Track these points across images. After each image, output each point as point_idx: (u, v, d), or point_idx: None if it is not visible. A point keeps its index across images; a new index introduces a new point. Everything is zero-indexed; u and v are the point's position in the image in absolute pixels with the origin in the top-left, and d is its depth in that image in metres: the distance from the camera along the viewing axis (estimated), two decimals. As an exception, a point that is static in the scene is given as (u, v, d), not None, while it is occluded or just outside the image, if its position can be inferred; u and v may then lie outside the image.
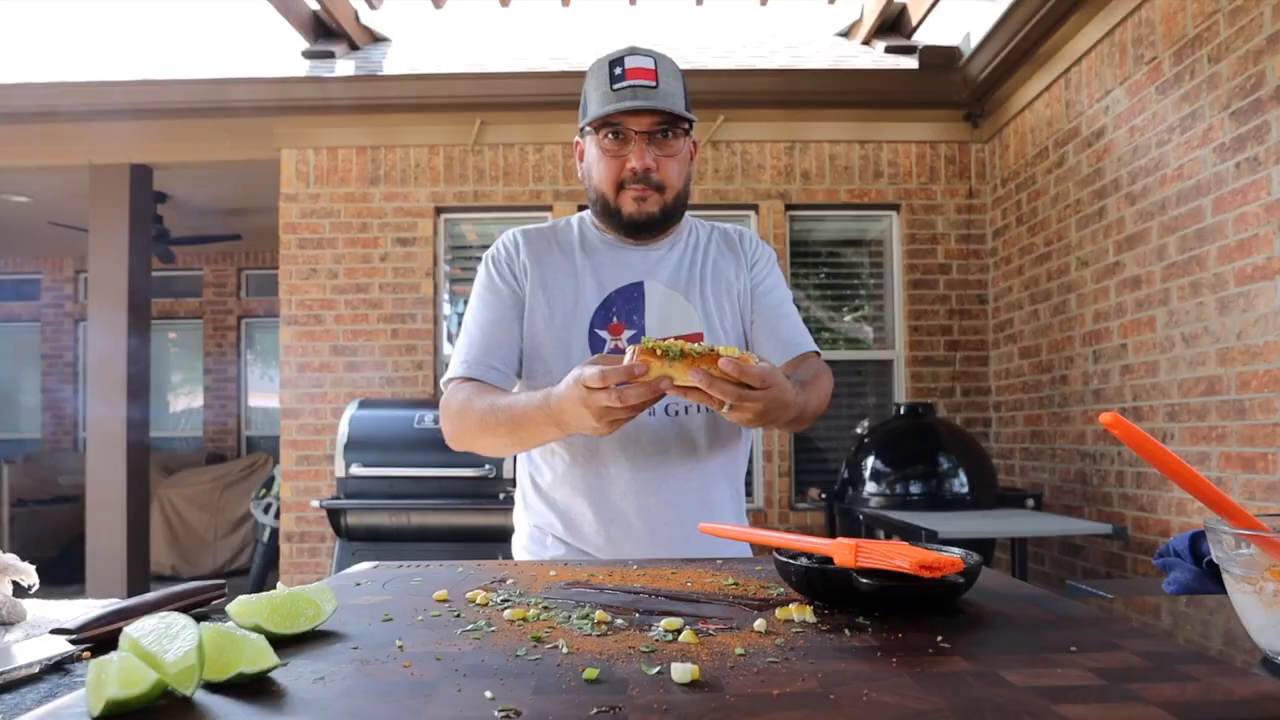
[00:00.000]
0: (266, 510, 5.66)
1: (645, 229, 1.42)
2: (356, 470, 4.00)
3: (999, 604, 0.79)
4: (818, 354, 1.48)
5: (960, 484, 3.72)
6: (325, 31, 5.15)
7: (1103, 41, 3.61)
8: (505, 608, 0.79)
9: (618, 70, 1.37)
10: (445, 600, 0.84)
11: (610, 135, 1.37)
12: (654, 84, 1.36)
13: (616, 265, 1.46)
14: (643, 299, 1.44)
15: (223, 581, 0.91)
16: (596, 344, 1.42)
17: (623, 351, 1.28)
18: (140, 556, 5.16)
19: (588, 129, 1.41)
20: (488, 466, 3.93)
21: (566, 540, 1.43)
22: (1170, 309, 3.18)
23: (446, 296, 4.95)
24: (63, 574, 5.95)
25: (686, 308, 1.44)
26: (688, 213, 1.50)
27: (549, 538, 1.45)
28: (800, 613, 0.74)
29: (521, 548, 1.50)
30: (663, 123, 1.36)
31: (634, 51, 1.39)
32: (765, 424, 1.21)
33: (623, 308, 1.43)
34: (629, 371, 1.06)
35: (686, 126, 1.39)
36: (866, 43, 5.36)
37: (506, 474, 3.97)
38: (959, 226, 4.85)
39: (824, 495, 4.20)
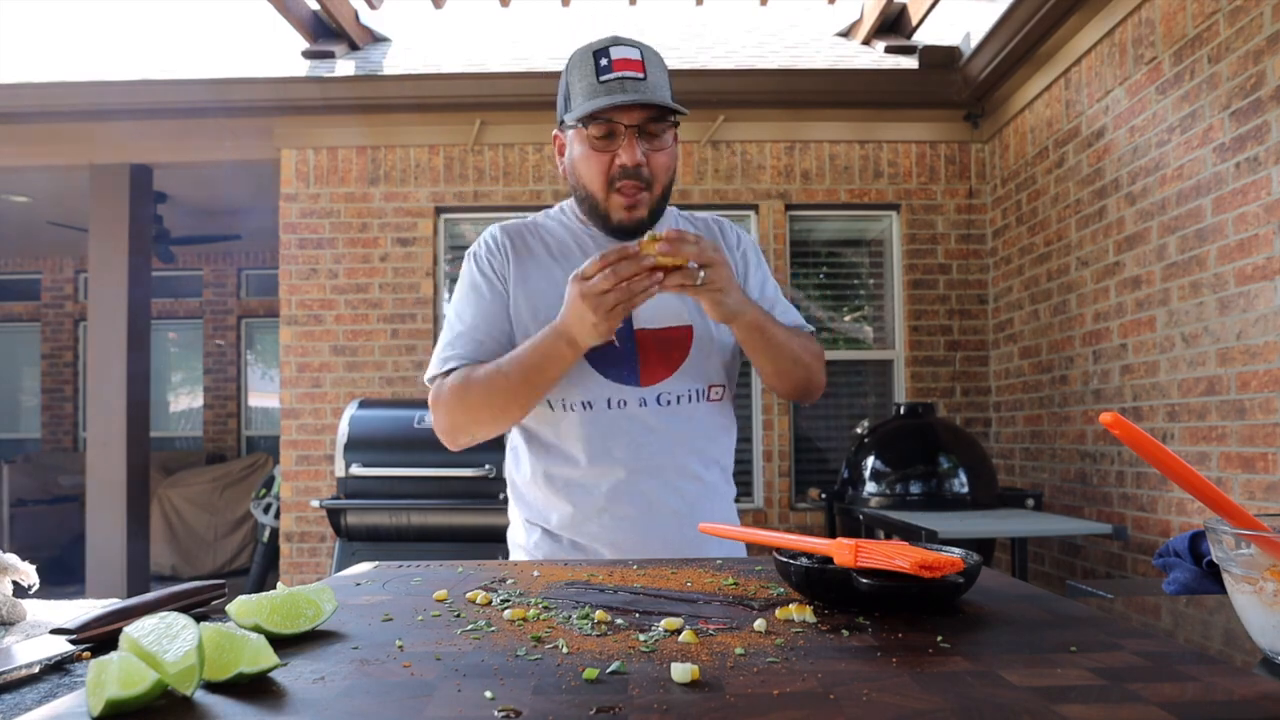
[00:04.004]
0: (266, 510, 5.66)
1: (633, 234, 1.36)
2: (356, 470, 4.00)
3: (999, 604, 0.79)
4: (813, 333, 1.49)
5: (960, 484, 3.72)
6: (325, 31, 5.15)
7: (1103, 41, 3.62)
8: (505, 608, 0.79)
9: (603, 61, 1.30)
10: (445, 600, 0.84)
11: (598, 131, 1.30)
12: (642, 76, 1.30)
13: None
14: None
15: (223, 581, 0.91)
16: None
17: (615, 344, 1.34)
18: (140, 556, 5.16)
19: (572, 124, 1.34)
20: (487, 467, 3.93)
21: (560, 534, 1.37)
22: (1170, 309, 3.19)
23: (446, 296, 4.94)
24: (63, 574, 5.96)
25: (672, 298, 1.37)
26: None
27: (540, 532, 1.40)
28: (800, 613, 0.74)
29: (516, 546, 1.45)
30: (652, 116, 1.30)
31: (618, 41, 1.33)
32: (734, 302, 1.24)
33: None
34: (621, 252, 1.16)
35: (675, 119, 1.34)
36: (866, 43, 5.36)
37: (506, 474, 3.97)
38: (959, 226, 4.85)
39: (824, 495, 4.20)
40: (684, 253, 1.17)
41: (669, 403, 1.37)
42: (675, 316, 1.39)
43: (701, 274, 1.19)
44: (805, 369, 1.39)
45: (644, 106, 1.29)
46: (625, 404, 1.35)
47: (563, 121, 1.38)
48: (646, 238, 1.19)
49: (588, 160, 1.33)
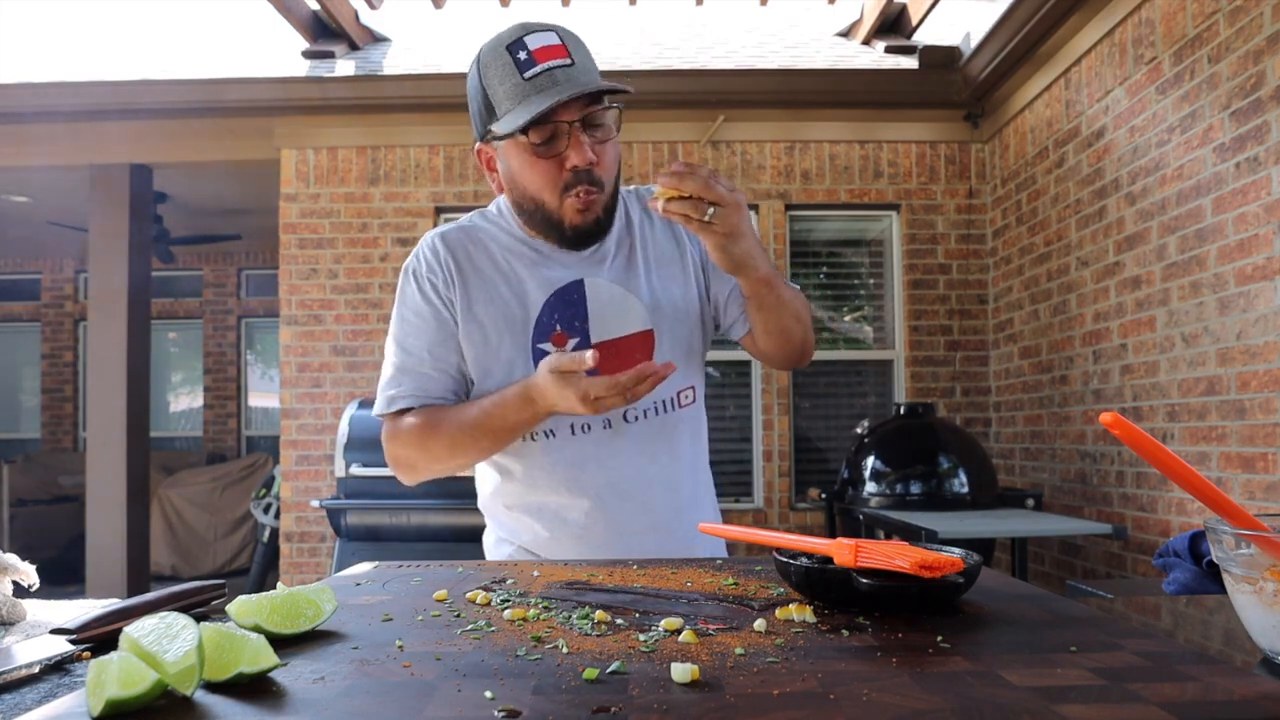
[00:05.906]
0: (266, 510, 5.66)
1: (591, 238, 1.28)
2: (356, 470, 4.00)
3: (999, 604, 0.79)
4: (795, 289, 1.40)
5: (960, 484, 3.72)
6: (325, 31, 5.15)
7: (1103, 41, 3.61)
8: (505, 608, 0.79)
9: (521, 55, 1.16)
10: (445, 600, 0.84)
11: (540, 136, 1.18)
12: (570, 61, 1.17)
13: (551, 266, 1.31)
14: (584, 299, 1.30)
15: (223, 581, 0.91)
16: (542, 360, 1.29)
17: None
18: (140, 556, 5.17)
19: (506, 134, 1.19)
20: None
21: (535, 552, 1.33)
22: (1170, 309, 3.19)
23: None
24: (63, 574, 5.96)
25: (630, 300, 1.30)
26: None
27: (513, 548, 1.36)
28: (800, 613, 0.74)
29: (491, 554, 1.41)
30: (593, 104, 1.18)
31: (530, 29, 1.19)
32: (742, 251, 1.15)
33: (564, 313, 1.29)
34: (638, 374, 1.10)
35: (620, 103, 1.21)
36: (866, 43, 5.36)
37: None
38: (959, 226, 4.85)
39: (824, 495, 4.20)
40: (684, 186, 1.09)
41: (636, 419, 1.30)
42: (634, 322, 1.30)
43: (710, 210, 1.10)
44: (804, 327, 1.33)
45: (585, 97, 1.16)
46: (589, 428, 1.29)
47: (487, 134, 1.24)
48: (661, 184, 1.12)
49: (533, 170, 1.21)
